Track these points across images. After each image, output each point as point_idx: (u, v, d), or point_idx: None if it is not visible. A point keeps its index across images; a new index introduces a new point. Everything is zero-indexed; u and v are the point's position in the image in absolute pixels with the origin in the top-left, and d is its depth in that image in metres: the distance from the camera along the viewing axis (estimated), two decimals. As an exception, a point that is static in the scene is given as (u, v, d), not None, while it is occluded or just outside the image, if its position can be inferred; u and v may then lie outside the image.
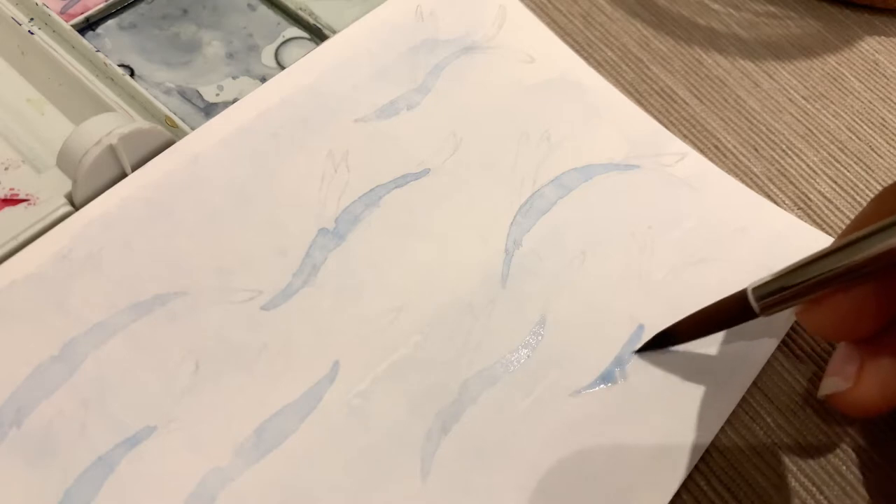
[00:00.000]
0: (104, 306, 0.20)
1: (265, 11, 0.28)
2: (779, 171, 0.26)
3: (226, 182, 0.22)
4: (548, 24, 0.28)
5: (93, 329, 0.20)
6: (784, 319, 0.22)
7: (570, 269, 0.23)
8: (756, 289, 0.19)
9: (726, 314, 0.20)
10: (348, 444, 0.19)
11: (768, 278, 0.18)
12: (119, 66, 0.25)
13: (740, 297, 0.19)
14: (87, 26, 0.27)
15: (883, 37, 0.31)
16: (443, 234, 0.23)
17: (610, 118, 0.26)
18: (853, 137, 0.27)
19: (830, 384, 0.19)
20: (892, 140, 0.28)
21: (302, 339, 0.21)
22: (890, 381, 0.18)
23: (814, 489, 0.20)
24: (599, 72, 0.27)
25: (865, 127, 0.28)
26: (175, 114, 0.24)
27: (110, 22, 0.27)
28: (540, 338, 0.21)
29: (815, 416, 0.21)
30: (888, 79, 0.29)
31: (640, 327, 0.22)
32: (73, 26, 0.25)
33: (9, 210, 0.21)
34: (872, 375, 0.18)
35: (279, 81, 0.24)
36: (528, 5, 0.28)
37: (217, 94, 0.25)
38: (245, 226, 0.22)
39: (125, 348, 0.20)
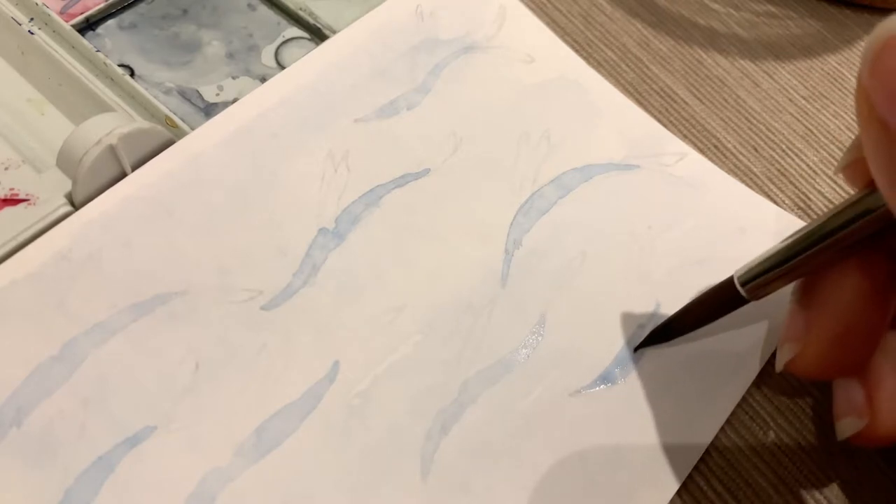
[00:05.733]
0: (104, 306, 0.20)
1: (265, 11, 0.28)
2: (779, 171, 0.26)
3: (226, 182, 0.22)
4: (548, 24, 0.28)
5: (93, 329, 0.20)
6: (783, 320, 0.22)
7: (570, 269, 0.23)
8: (741, 275, 0.19)
9: (717, 303, 0.20)
10: (348, 444, 0.19)
11: (752, 263, 0.19)
12: (119, 66, 0.25)
13: (728, 284, 0.19)
14: (87, 26, 0.27)
15: (883, 37, 0.31)
16: (443, 233, 0.23)
17: (610, 118, 0.26)
18: (853, 137, 0.27)
19: (848, 426, 0.19)
20: (892, 140, 0.28)
21: (302, 339, 0.21)
22: None
23: (814, 489, 0.20)
24: (599, 72, 0.27)
25: (865, 127, 0.28)
26: (175, 114, 0.24)
27: (110, 22, 0.27)
28: (540, 338, 0.21)
29: (814, 416, 0.21)
30: (888, 79, 0.29)
31: (640, 327, 0.22)
32: (73, 26, 0.25)
33: (9, 210, 0.21)
34: (885, 402, 0.18)
35: (279, 81, 0.24)
36: (528, 5, 0.28)
37: (217, 94, 0.25)
38: (245, 226, 0.22)
39: (125, 348, 0.20)
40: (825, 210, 0.25)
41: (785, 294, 0.22)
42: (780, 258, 0.18)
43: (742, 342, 0.22)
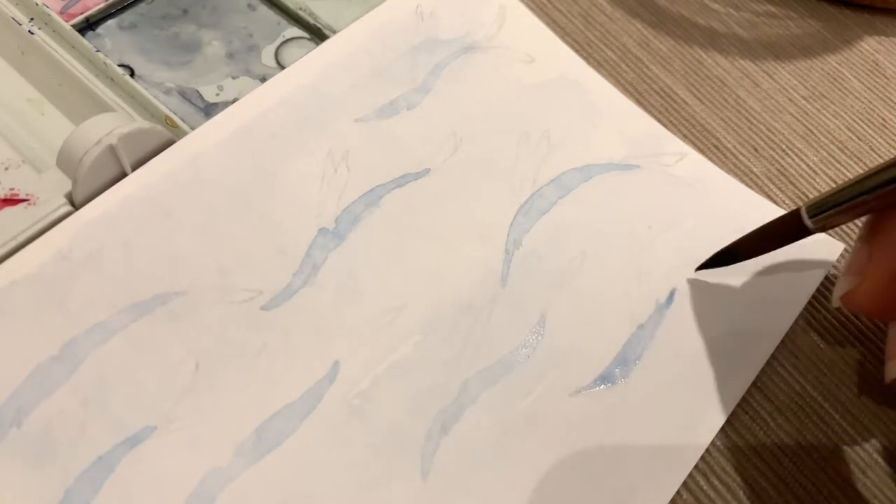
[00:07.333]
0: (104, 306, 0.20)
1: (265, 11, 0.28)
2: (779, 171, 0.26)
3: (226, 182, 0.22)
4: (548, 24, 0.28)
5: (93, 329, 0.20)
6: (784, 319, 0.22)
7: (570, 269, 0.23)
8: (809, 206, 0.20)
9: (782, 232, 0.21)
10: (348, 444, 0.19)
11: (822, 196, 0.19)
12: (119, 66, 0.25)
13: (795, 214, 0.20)
14: (87, 26, 0.27)
15: (883, 37, 0.31)
16: (443, 234, 0.23)
17: (610, 118, 0.26)
18: (853, 137, 0.27)
19: (895, 368, 0.20)
20: (892, 140, 0.28)
21: (302, 339, 0.21)
22: None
23: (813, 489, 0.20)
24: (599, 72, 0.27)
25: (865, 127, 0.28)
26: (175, 114, 0.24)
27: (110, 22, 0.27)
28: (540, 338, 0.21)
29: (814, 416, 0.21)
30: (888, 79, 0.29)
31: (640, 327, 0.22)
32: (73, 26, 0.25)
33: (9, 210, 0.21)
34: None
35: (279, 81, 0.24)
36: (528, 5, 0.28)
37: (217, 94, 0.25)
38: (245, 226, 0.22)
39: (125, 348, 0.20)
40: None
41: (787, 301, 0.22)
42: (848, 193, 0.19)
43: (741, 342, 0.22)
